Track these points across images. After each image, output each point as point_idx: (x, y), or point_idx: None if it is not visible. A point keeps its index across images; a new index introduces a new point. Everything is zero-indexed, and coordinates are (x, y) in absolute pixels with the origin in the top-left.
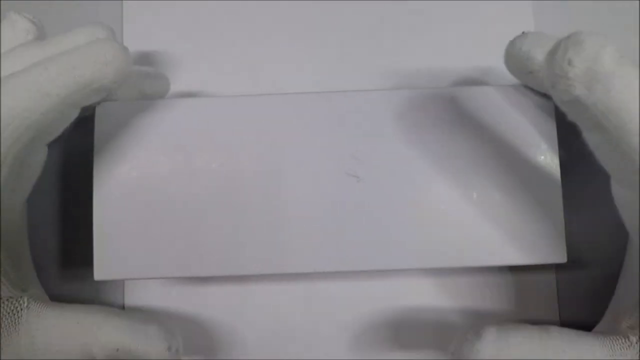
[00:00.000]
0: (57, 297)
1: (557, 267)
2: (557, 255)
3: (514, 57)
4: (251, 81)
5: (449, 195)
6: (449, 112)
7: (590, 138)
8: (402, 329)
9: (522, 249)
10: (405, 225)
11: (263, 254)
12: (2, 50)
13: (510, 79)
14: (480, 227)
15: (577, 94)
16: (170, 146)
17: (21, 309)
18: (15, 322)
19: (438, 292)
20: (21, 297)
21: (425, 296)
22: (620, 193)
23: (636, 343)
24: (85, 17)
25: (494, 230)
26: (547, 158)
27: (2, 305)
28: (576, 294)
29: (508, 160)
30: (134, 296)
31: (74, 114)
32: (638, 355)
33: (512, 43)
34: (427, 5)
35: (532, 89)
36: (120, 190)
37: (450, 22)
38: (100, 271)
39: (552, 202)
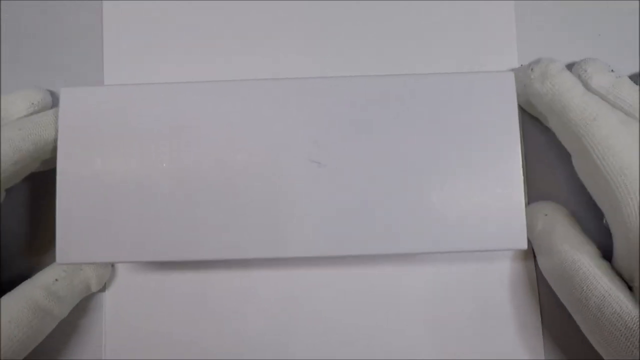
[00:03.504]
0: None
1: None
2: (518, 241)
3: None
4: (226, 71)
5: (410, 181)
6: (413, 100)
7: (550, 121)
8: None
9: (483, 235)
10: (365, 211)
11: (221, 240)
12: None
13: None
14: (441, 213)
15: (536, 86)
16: (134, 132)
17: None
18: None
19: (429, 280)
20: None
21: (416, 285)
22: (580, 165)
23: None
24: (66, 16)
25: (456, 216)
26: (510, 146)
27: None
28: None
29: (471, 147)
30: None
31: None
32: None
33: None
34: (409, 5)
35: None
36: (84, 175)
37: (433, 22)
38: (63, 255)
39: (513, 189)
